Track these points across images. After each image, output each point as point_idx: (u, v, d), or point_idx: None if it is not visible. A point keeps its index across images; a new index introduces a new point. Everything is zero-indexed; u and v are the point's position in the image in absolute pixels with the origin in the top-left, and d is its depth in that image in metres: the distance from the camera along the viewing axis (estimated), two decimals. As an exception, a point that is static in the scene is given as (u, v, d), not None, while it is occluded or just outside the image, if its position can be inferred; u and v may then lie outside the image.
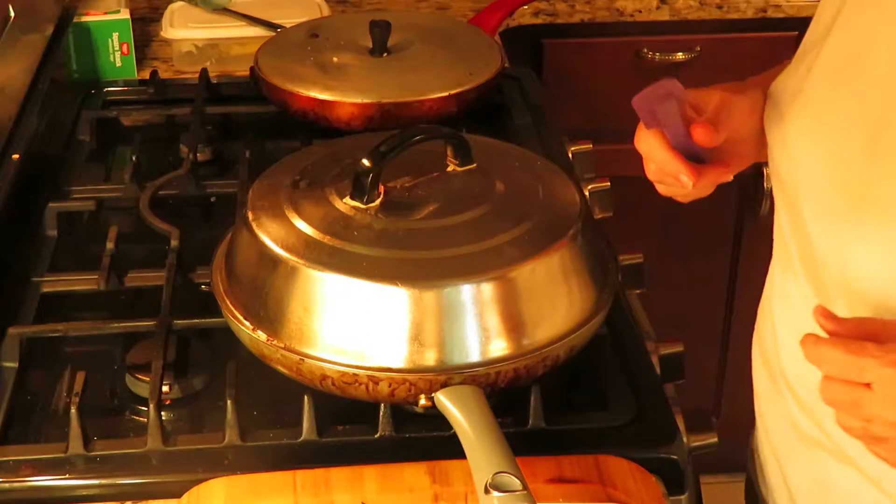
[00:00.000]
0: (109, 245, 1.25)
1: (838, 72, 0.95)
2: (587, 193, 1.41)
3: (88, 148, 1.56)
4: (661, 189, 1.07)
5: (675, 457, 1.04)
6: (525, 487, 0.84)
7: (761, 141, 1.06)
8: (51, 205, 1.37)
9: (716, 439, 1.11)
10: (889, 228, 0.89)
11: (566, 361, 1.03)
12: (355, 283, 0.97)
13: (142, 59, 1.80)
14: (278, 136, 1.54)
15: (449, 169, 1.12)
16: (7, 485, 1.01)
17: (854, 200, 0.92)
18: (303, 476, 0.98)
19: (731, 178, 1.05)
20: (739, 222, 2.27)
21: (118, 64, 1.72)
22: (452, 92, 1.49)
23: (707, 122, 1.01)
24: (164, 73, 1.74)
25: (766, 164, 1.08)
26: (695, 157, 1.02)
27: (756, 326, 1.14)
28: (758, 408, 1.16)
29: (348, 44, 1.58)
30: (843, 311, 0.92)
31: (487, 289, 0.98)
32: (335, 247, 1.01)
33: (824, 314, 0.86)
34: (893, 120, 0.89)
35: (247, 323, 1.03)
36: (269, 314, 1.01)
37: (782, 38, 2.15)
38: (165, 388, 1.09)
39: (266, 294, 1.01)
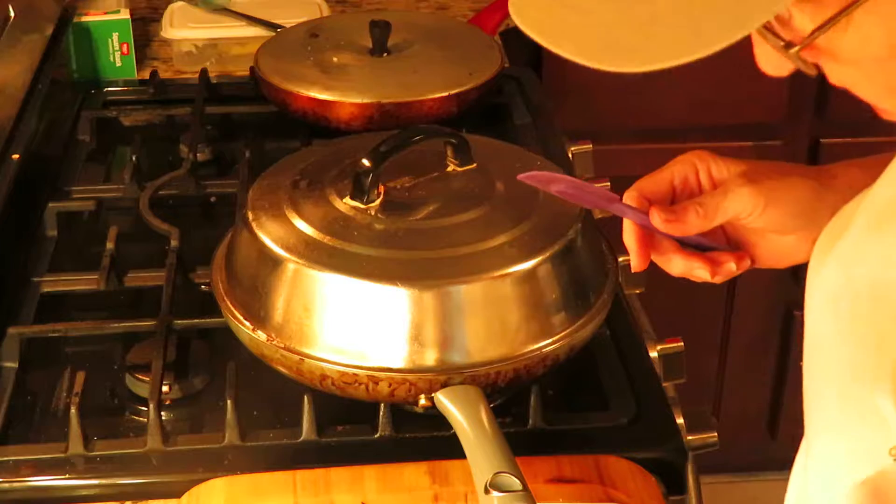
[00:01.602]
0: (109, 245, 1.25)
1: (877, 221, 0.75)
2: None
3: (88, 148, 1.56)
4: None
5: (675, 457, 1.04)
6: (525, 487, 0.84)
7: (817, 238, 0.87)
8: (51, 205, 1.37)
9: (716, 439, 1.11)
10: (853, 447, 0.73)
11: (566, 361, 1.03)
12: (355, 283, 0.97)
13: (142, 59, 1.80)
14: (278, 136, 1.54)
15: (449, 169, 1.12)
16: (7, 485, 1.01)
17: (832, 394, 0.75)
18: (303, 476, 0.98)
19: (736, 270, 0.92)
20: (739, 222, 2.26)
21: (118, 64, 1.72)
22: (452, 92, 1.49)
23: (680, 205, 0.89)
24: (164, 73, 1.74)
25: None
26: (700, 242, 0.93)
27: None
28: None
29: (348, 44, 1.58)
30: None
31: (487, 289, 0.98)
32: (335, 247, 1.01)
33: None
34: None
35: (247, 323, 1.03)
36: (269, 314, 1.01)
37: (782, 37, 2.15)
38: (165, 388, 1.09)
39: (266, 294, 1.01)
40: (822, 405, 0.77)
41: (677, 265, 0.92)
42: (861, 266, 0.74)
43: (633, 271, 0.93)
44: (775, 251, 0.94)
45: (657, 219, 0.88)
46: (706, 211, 0.89)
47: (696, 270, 0.92)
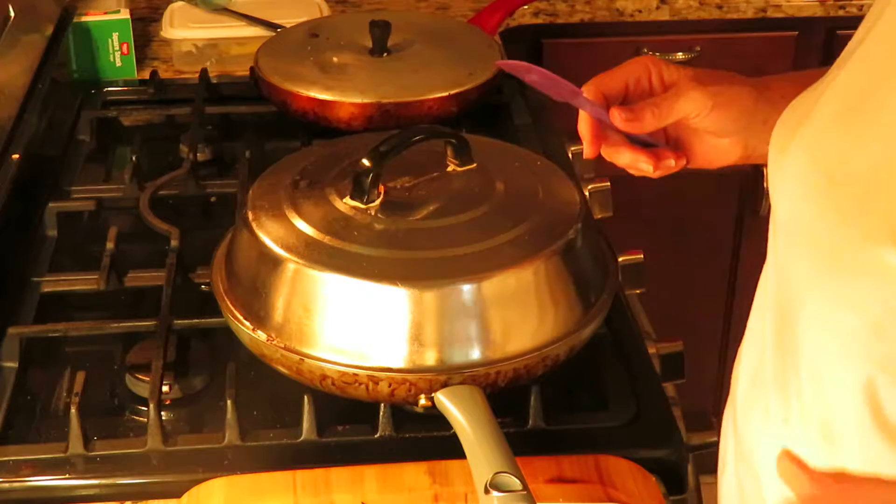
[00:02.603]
0: (109, 245, 1.25)
1: (843, 109, 0.83)
2: (587, 193, 1.41)
3: (88, 148, 1.56)
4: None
5: (675, 457, 1.04)
6: (525, 487, 0.84)
7: (749, 142, 1.01)
8: (51, 205, 1.37)
9: (716, 439, 1.11)
10: (855, 302, 0.78)
11: (566, 361, 1.03)
12: (355, 283, 0.97)
13: (142, 59, 1.80)
14: (278, 136, 1.54)
15: (449, 169, 1.12)
16: (7, 485, 1.01)
17: (823, 262, 0.81)
18: (303, 476, 0.98)
19: (675, 167, 1.01)
20: (739, 221, 2.27)
21: (118, 64, 1.72)
22: (452, 92, 1.49)
23: (637, 105, 0.97)
24: (164, 73, 1.74)
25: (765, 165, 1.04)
26: (645, 139, 1.01)
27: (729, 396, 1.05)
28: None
29: (348, 44, 1.58)
30: (796, 395, 0.86)
31: (487, 289, 0.98)
32: (335, 247, 1.01)
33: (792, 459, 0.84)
34: (886, 180, 0.76)
35: (247, 323, 1.03)
36: (269, 314, 1.01)
37: (782, 37, 2.15)
38: (165, 388, 1.09)
39: (266, 294, 1.01)
40: (810, 280, 0.83)
41: (624, 157, 1.01)
42: (830, 149, 0.82)
43: (584, 158, 1.03)
44: (710, 152, 1.03)
45: (618, 118, 0.97)
46: (661, 111, 0.98)
47: (640, 164, 1.01)
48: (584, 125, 1.00)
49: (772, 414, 0.90)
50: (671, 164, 1.02)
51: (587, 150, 1.01)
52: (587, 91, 0.99)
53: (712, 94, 0.98)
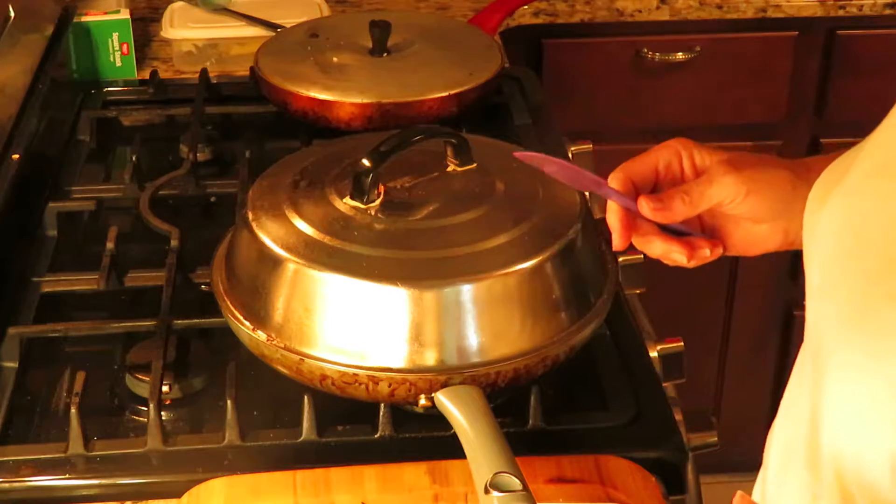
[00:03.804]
0: (109, 245, 1.25)
1: (876, 167, 0.80)
2: (587, 193, 1.41)
3: (88, 148, 1.56)
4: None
5: (675, 457, 1.04)
6: (525, 487, 0.84)
7: (790, 228, 0.95)
8: (51, 205, 1.37)
9: (716, 439, 1.11)
10: (879, 366, 0.74)
11: (566, 361, 1.03)
12: (355, 283, 0.97)
13: (142, 59, 1.80)
14: (278, 136, 1.54)
15: (449, 169, 1.12)
16: (7, 485, 1.01)
17: (849, 324, 0.77)
18: (303, 476, 0.98)
19: (710, 256, 0.96)
20: (739, 222, 2.27)
21: (118, 64, 1.72)
22: (452, 92, 1.49)
23: (667, 193, 0.92)
24: (164, 73, 1.74)
25: None
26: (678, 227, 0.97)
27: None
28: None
29: (348, 44, 1.58)
30: (826, 469, 0.81)
31: (487, 289, 0.98)
32: (335, 247, 1.01)
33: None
34: None
35: (247, 323, 1.03)
36: (269, 314, 1.01)
37: (782, 38, 2.15)
38: (165, 388, 1.09)
39: (266, 294, 1.01)
40: (836, 343, 0.79)
41: (657, 248, 0.95)
42: (860, 208, 0.78)
43: (613, 249, 0.97)
44: (748, 239, 0.98)
45: (646, 207, 0.92)
46: (692, 199, 0.92)
47: (673, 254, 0.95)
48: (612, 216, 0.95)
49: (802, 490, 0.84)
50: (706, 254, 0.96)
51: (617, 242, 0.95)
52: (614, 180, 0.94)
53: (746, 178, 0.93)
